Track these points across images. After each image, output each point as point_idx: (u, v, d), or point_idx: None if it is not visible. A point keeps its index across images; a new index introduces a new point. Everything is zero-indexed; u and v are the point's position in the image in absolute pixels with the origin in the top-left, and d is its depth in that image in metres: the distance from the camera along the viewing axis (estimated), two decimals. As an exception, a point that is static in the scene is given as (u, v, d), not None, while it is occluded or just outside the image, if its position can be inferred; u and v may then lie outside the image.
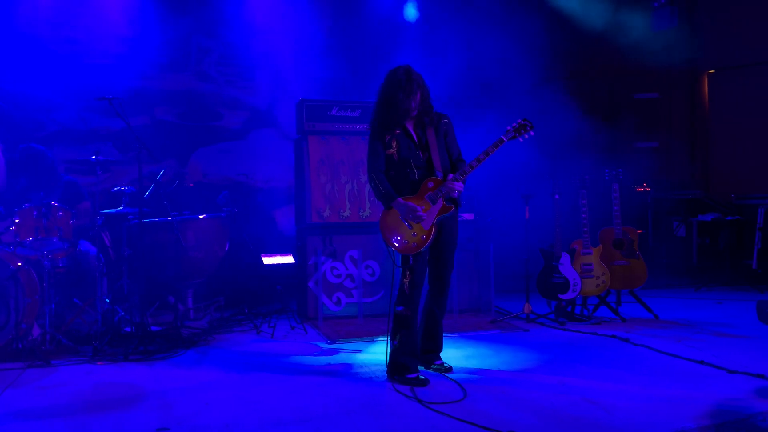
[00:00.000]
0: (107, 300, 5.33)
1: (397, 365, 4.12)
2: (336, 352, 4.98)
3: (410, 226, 4.09)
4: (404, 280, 4.15)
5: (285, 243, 7.37)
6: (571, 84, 8.08)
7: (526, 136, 4.23)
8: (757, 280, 7.60)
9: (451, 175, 4.14)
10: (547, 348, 4.99)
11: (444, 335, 4.52)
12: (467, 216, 6.34)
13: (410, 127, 4.24)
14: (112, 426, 3.39)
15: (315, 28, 7.87)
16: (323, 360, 4.74)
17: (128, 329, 5.22)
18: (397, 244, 4.12)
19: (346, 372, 4.41)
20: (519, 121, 4.25)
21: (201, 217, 6.00)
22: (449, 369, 4.32)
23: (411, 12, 8.11)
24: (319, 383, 4.14)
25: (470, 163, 4.15)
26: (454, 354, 4.73)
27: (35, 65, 6.80)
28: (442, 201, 4.12)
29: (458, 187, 4.11)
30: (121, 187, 5.64)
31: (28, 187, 5.55)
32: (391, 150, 4.19)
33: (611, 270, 5.99)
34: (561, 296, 5.86)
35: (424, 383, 4.00)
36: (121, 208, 5.57)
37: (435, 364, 4.36)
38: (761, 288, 7.45)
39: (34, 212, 4.87)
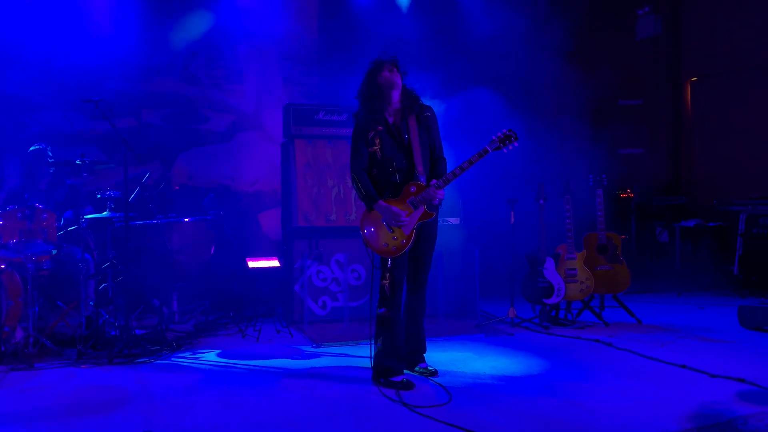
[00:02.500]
0: (91, 303, 5.30)
1: (381, 368, 4.12)
2: (321, 355, 4.98)
3: (391, 230, 4.10)
4: (384, 281, 4.15)
5: (271, 246, 7.36)
6: (555, 90, 8.14)
7: (511, 148, 4.20)
8: (739, 285, 7.67)
9: (434, 181, 4.14)
10: (531, 352, 5.02)
11: (429, 339, 4.53)
12: (453, 220, 6.37)
13: (392, 122, 4.23)
14: (96, 429, 3.38)
15: (302, 31, 7.86)
16: (308, 363, 4.73)
17: (113, 332, 5.19)
18: (376, 246, 4.13)
19: (332, 375, 4.41)
20: (504, 131, 4.20)
21: (186, 220, 5.98)
22: (434, 372, 4.33)
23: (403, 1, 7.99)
24: (305, 386, 4.14)
25: (453, 171, 4.14)
26: (439, 357, 4.74)
27: (18, 65, 6.73)
28: (424, 207, 4.13)
29: (440, 195, 4.13)
30: (105, 192, 5.60)
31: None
32: (374, 148, 4.19)
33: (595, 275, 6.04)
34: (545, 301, 5.90)
35: (409, 386, 4.00)
36: (106, 213, 5.54)
37: (420, 367, 4.37)
38: (743, 293, 7.52)
39: (18, 214, 4.83)
